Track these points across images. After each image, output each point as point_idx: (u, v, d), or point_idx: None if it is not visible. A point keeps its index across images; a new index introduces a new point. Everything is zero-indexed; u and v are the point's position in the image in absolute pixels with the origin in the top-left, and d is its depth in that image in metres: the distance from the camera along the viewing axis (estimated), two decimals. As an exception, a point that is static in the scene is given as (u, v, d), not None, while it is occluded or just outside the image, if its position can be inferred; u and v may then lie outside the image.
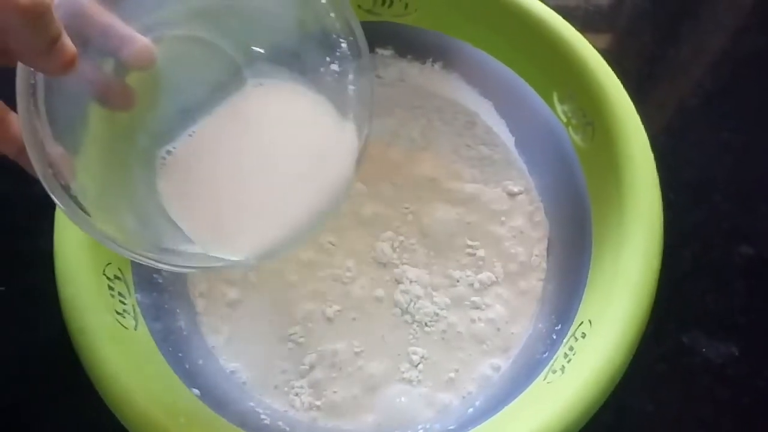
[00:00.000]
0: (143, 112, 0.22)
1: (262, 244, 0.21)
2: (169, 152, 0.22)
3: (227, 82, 0.23)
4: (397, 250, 0.30)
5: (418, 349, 0.28)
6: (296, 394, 0.27)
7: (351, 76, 0.22)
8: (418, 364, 0.28)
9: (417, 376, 0.28)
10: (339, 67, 0.22)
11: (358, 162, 0.22)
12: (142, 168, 0.22)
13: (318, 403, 0.27)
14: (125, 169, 0.22)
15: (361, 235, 0.31)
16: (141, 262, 0.20)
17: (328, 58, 0.22)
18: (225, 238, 0.22)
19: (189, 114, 0.22)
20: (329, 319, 0.29)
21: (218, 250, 0.21)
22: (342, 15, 0.22)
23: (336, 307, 0.29)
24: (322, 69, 0.22)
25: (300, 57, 0.23)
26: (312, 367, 0.28)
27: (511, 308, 0.29)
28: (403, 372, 0.28)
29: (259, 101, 0.23)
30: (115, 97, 0.21)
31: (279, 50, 0.23)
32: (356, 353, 0.28)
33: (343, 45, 0.22)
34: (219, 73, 0.23)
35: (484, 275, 0.30)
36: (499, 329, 0.29)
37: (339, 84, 0.22)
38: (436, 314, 0.29)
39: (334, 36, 0.22)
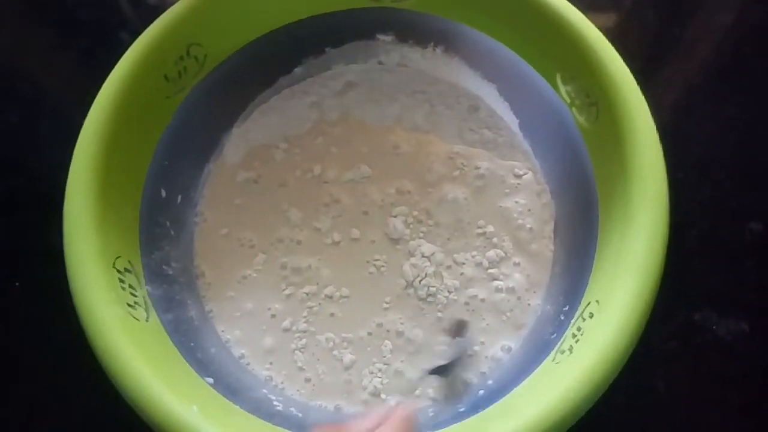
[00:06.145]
0: None
1: None
2: None
3: None
4: (411, 226, 0.31)
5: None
6: (307, 380, 0.28)
7: None
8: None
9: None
10: None
11: None
12: None
13: (329, 386, 0.27)
14: None
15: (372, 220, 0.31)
16: None
17: None
18: None
19: None
20: (338, 304, 0.29)
21: None
22: None
23: (345, 291, 0.29)
24: None
25: None
26: (322, 352, 0.28)
27: (529, 280, 0.30)
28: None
29: None
30: None
31: None
32: (370, 334, 0.28)
33: None
34: None
35: (493, 252, 0.30)
36: (519, 298, 0.29)
37: None
38: (449, 291, 0.29)
39: None
